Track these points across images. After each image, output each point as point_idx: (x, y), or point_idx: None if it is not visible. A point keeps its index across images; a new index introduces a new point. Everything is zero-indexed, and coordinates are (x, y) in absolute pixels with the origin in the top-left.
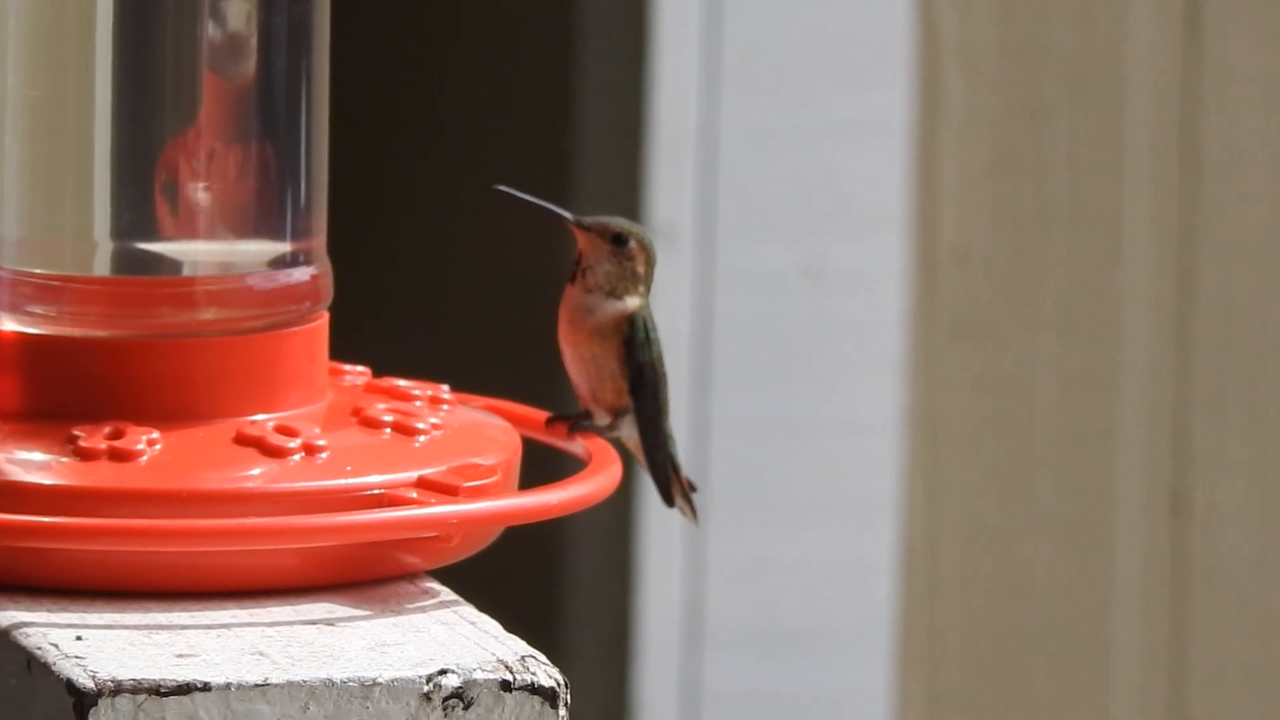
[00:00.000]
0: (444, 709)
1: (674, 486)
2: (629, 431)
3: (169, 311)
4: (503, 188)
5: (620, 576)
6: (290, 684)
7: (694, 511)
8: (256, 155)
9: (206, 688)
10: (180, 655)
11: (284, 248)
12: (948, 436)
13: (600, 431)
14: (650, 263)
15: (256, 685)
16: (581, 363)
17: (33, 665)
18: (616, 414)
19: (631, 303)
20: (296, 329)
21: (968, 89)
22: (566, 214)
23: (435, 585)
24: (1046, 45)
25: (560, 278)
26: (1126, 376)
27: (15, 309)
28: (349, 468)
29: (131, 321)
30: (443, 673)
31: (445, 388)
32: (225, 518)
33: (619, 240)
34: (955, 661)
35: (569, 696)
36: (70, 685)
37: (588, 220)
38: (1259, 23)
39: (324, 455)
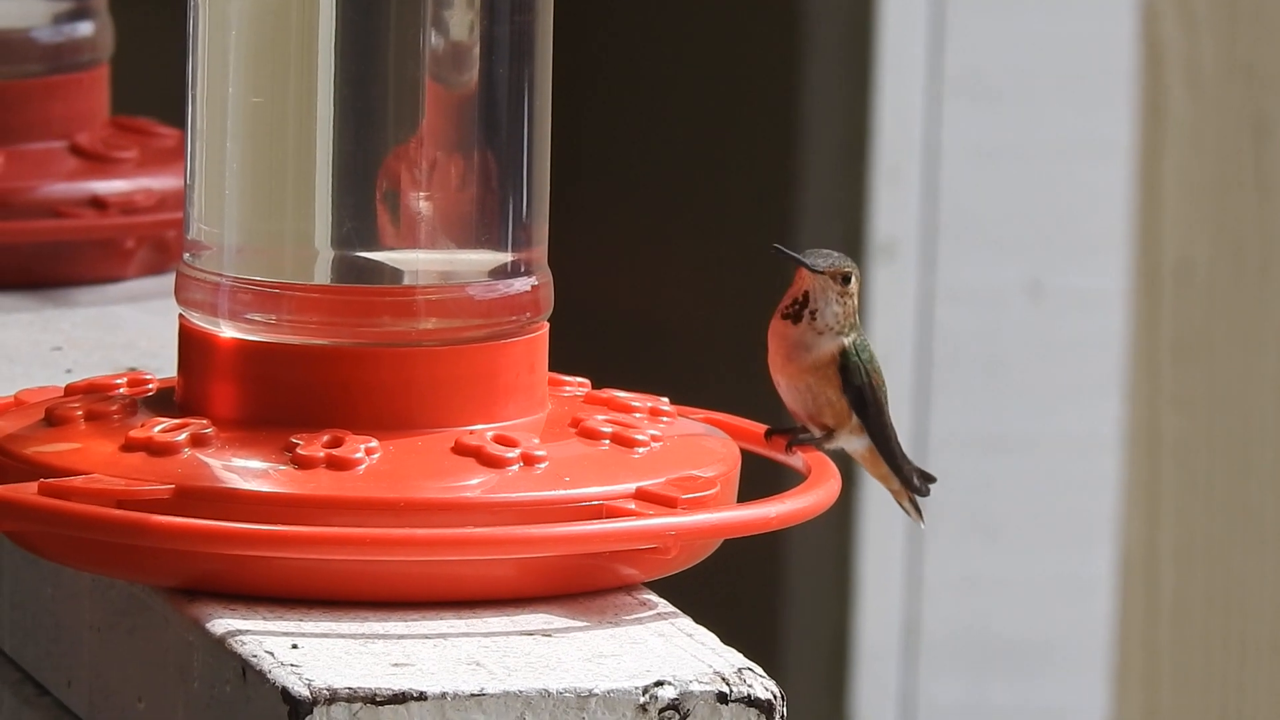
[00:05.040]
0: None
1: (910, 486)
2: (850, 444)
3: (389, 320)
4: (780, 248)
5: (838, 591)
6: (506, 694)
7: (920, 513)
8: (478, 165)
9: (422, 697)
10: (396, 664)
11: (505, 258)
12: (1168, 454)
13: (819, 444)
14: (859, 293)
15: (472, 695)
16: (797, 393)
17: (247, 673)
18: (836, 429)
19: (850, 337)
20: (516, 339)
21: (1191, 106)
22: (805, 261)
23: (653, 597)
24: (1271, 62)
25: (776, 291)
26: None
27: (234, 316)
28: (567, 478)
29: (351, 330)
30: (659, 684)
31: (665, 400)
32: (443, 527)
33: (845, 280)
34: (1172, 679)
35: (785, 709)
36: (285, 693)
37: (822, 264)
38: None
39: (542, 466)
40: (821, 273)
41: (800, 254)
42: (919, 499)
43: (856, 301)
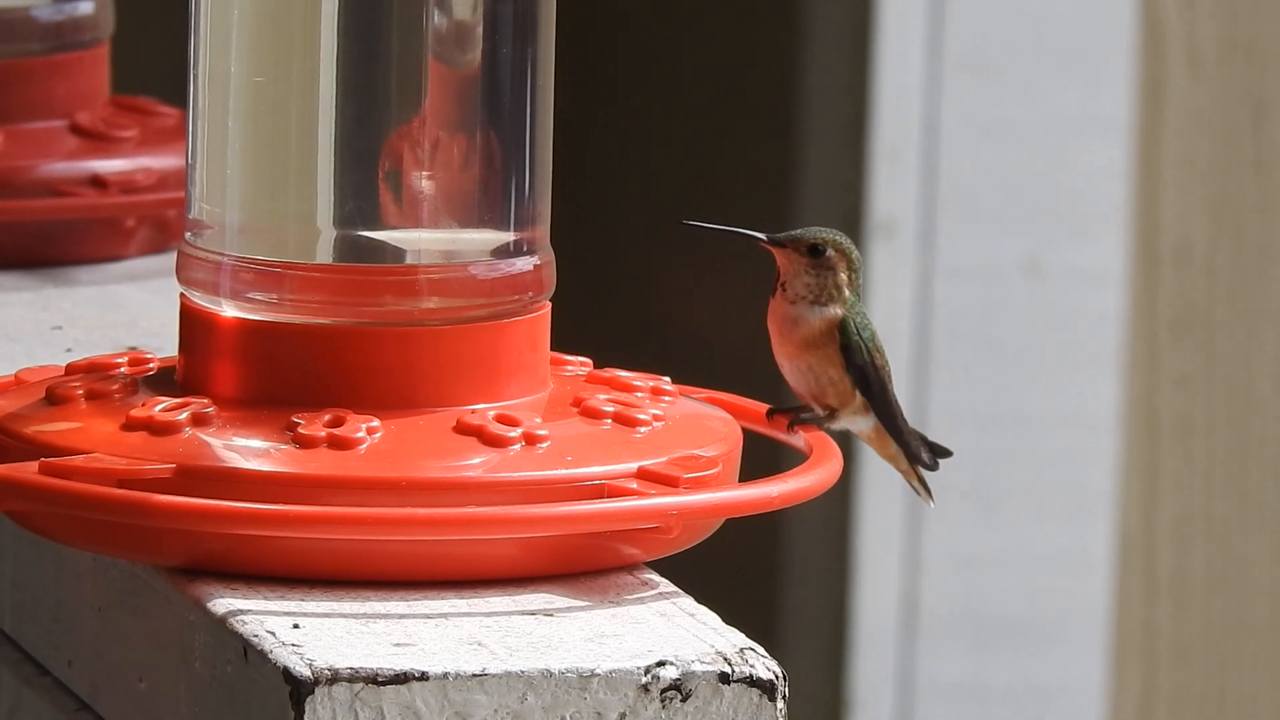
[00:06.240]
0: (662, 700)
1: (919, 462)
2: (856, 424)
3: (391, 300)
4: (691, 221)
5: (838, 569)
6: (508, 674)
7: (929, 492)
8: (481, 144)
9: (424, 677)
10: (398, 644)
11: (507, 237)
12: (1166, 432)
13: (822, 424)
14: (853, 267)
15: (474, 675)
16: (799, 373)
17: (249, 653)
18: (840, 409)
19: (836, 309)
20: (519, 319)
21: (1190, 85)
22: (759, 235)
23: (654, 577)
24: (1270, 42)
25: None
26: None
27: (236, 295)
28: (569, 458)
29: (353, 309)
30: (661, 664)
31: (667, 379)
32: (444, 507)
33: (815, 251)
34: (1170, 656)
35: (787, 689)
36: (287, 673)
37: (781, 236)
38: None
39: (544, 445)
40: (779, 245)
41: (738, 228)
42: (928, 475)
43: (845, 277)
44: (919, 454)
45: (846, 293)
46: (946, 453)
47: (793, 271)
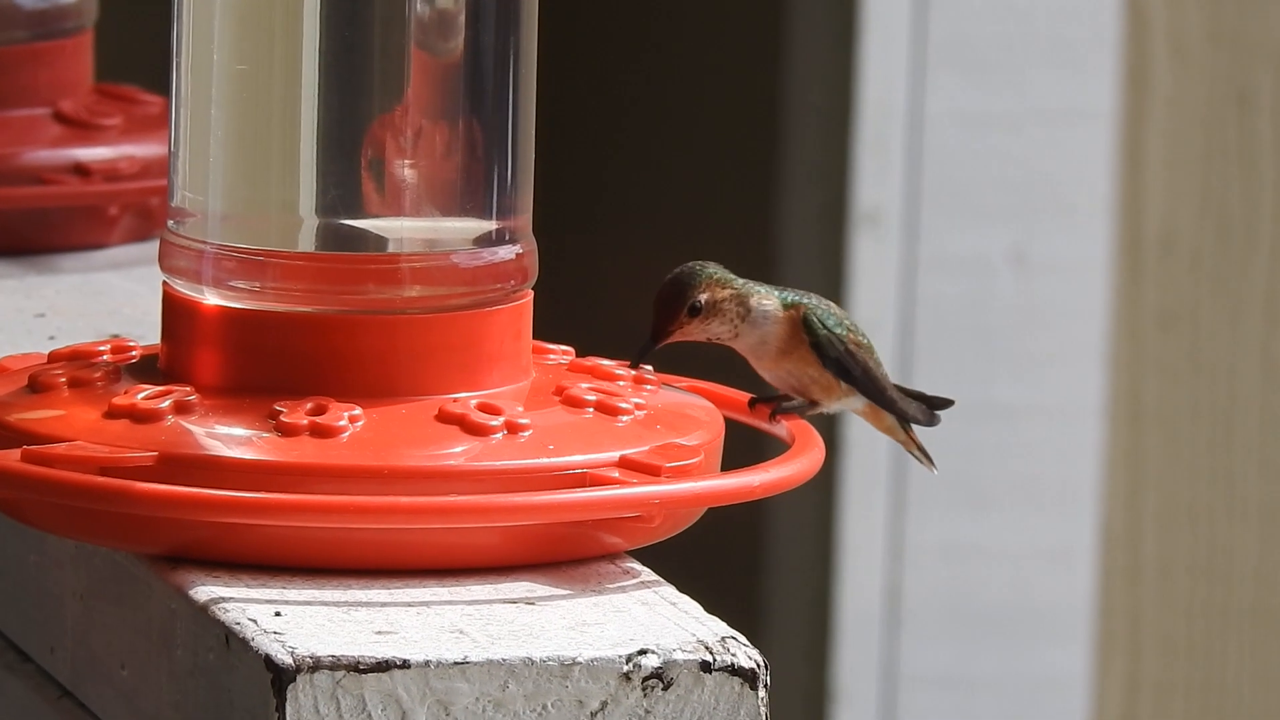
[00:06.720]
0: (643, 689)
1: (919, 423)
2: (848, 405)
3: (373, 288)
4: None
5: (821, 559)
6: (490, 662)
7: (930, 459)
8: (463, 132)
9: (406, 665)
10: (379, 632)
11: (489, 226)
12: (1150, 423)
13: (804, 412)
14: (723, 281)
15: (456, 663)
16: (782, 380)
17: (231, 641)
18: (829, 400)
19: (768, 307)
20: (501, 307)
21: (1175, 75)
22: (640, 363)
23: (636, 565)
24: (1256, 32)
25: (759, 260)
26: None
27: (218, 284)
28: (551, 446)
29: (335, 297)
30: (643, 653)
31: (649, 368)
32: (426, 495)
33: (694, 310)
34: (1154, 647)
35: (769, 678)
36: (269, 661)
37: (653, 343)
38: None
39: (526, 434)
40: (666, 338)
41: (644, 346)
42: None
43: (729, 291)
44: (916, 418)
45: (752, 297)
46: (947, 402)
47: (706, 332)
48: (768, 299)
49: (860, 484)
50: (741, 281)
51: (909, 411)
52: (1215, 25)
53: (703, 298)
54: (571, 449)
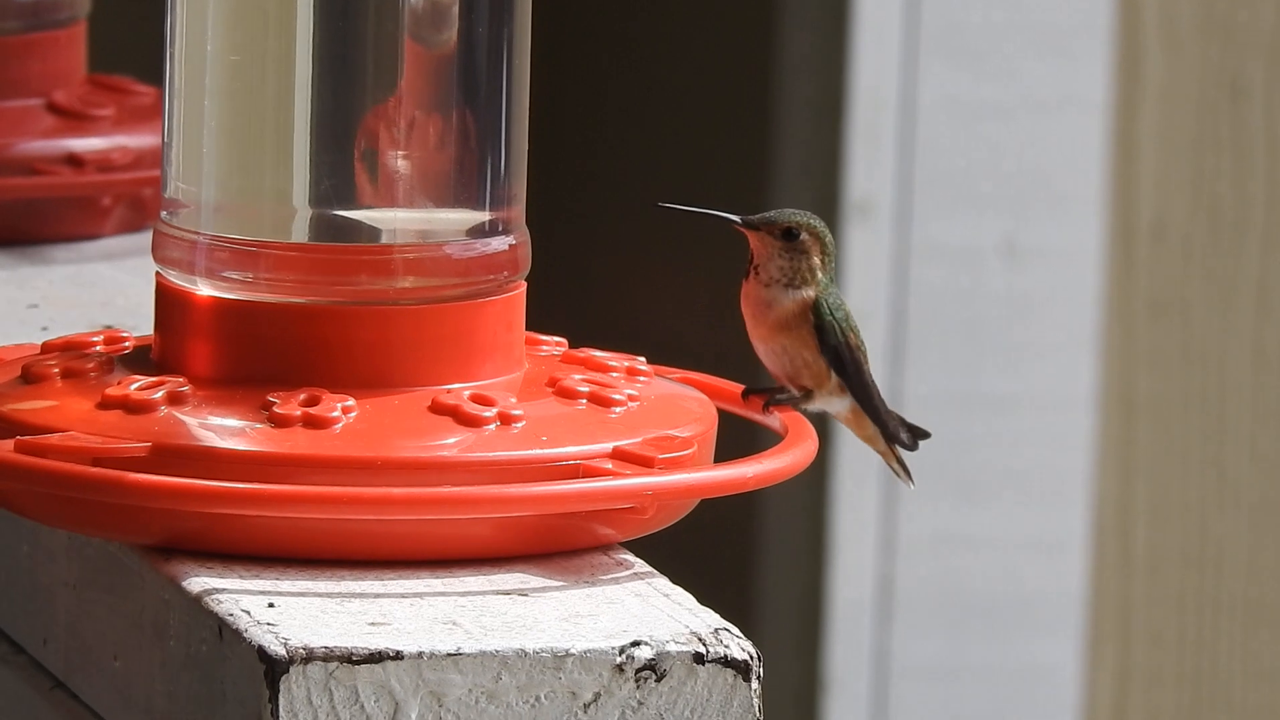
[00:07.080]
0: (636, 680)
1: (897, 442)
2: (833, 406)
3: (366, 279)
4: (666, 204)
5: (813, 551)
6: (483, 654)
7: (909, 474)
8: (457, 124)
9: (399, 656)
10: (373, 624)
11: (483, 216)
12: (1141, 413)
13: (797, 404)
14: (826, 250)
15: (449, 655)
16: (774, 355)
17: (224, 632)
18: (816, 390)
19: (809, 291)
20: (494, 298)
21: (1167, 64)
22: (733, 217)
23: (629, 557)
24: (1248, 21)
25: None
26: None
27: (211, 274)
28: (544, 438)
29: (328, 288)
30: (636, 644)
31: (642, 359)
32: (419, 486)
33: (789, 234)
34: (1145, 637)
35: (762, 670)
36: (262, 652)
37: (755, 219)
38: None
39: (519, 425)
40: (753, 227)
41: (712, 209)
42: (906, 456)
43: (818, 259)
44: (897, 434)
45: (820, 276)
46: (925, 434)
47: (766, 254)
48: (818, 288)
49: (853, 475)
50: (829, 275)
51: (890, 423)
52: (1207, 14)
53: (804, 238)
54: (565, 440)
